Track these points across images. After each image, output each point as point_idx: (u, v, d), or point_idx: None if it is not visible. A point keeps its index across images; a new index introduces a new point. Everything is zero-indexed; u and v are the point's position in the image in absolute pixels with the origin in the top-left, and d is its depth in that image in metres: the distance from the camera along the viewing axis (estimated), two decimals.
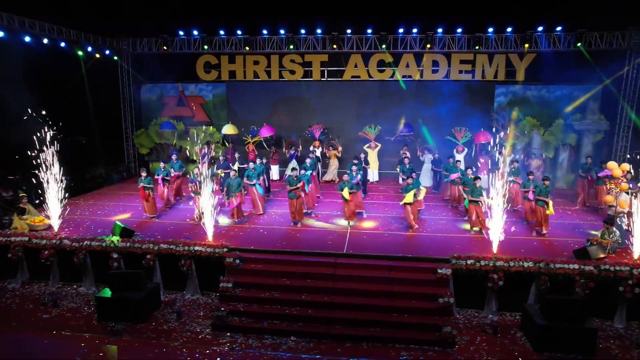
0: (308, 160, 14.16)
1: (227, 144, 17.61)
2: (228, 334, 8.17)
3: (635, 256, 8.66)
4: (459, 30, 16.06)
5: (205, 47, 17.27)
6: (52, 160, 10.23)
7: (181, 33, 17.45)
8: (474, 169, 12.13)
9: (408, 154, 15.24)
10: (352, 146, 17.54)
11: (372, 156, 16.98)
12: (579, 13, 14.89)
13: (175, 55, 18.04)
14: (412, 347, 7.77)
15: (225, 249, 9.30)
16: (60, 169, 10.41)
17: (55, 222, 10.49)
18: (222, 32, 17.28)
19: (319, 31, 16.75)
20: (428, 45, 16.13)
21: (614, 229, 9.30)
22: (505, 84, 17.02)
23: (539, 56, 16.49)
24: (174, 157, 14.04)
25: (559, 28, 15.52)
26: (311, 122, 18.04)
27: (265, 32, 17.07)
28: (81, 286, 10.00)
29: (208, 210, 9.71)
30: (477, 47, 16.02)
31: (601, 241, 9.10)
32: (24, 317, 8.78)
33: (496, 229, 9.03)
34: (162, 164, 13.09)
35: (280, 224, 11.40)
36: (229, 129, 17.15)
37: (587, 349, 7.47)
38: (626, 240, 9.23)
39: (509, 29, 15.76)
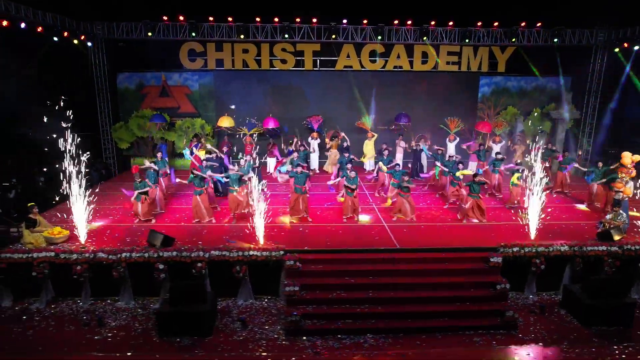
0: (295, 155, 14.09)
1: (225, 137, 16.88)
2: (304, 337, 8.16)
3: None
4: (450, 23, 16.70)
5: (193, 34, 16.22)
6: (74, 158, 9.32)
7: (165, 18, 16.21)
8: (462, 166, 12.56)
9: (388, 148, 15.24)
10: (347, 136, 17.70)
11: (369, 146, 17.32)
12: (555, 11, 16.24)
13: (156, 42, 16.74)
14: (480, 332, 8.36)
15: (282, 252, 9.15)
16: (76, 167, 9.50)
17: (82, 233, 9.55)
18: (210, 19, 16.33)
19: (314, 20, 16.47)
20: (424, 38, 16.60)
21: (621, 211, 10.59)
22: (489, 75, 18.13)
23: (518, 49, 17.73)
24: (159, 155, 13.26)
25: (538, 24, 16.77)
26: (304, 112, 17.90)
27: (258, 19, 16.42)
28: (118, 301, 9.30)
29: (258, 212, 9.44)
30: (466, 40, 16.80)
31: (614, 223, 10.32)
32: (71, 340, 8.02)
33: (534, 216, 9.83)
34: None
35: (313, 222, 11.34)
36: (224, 121, 16.46)
37: (626, 320, 8.56)
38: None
39: (496, 24, 16.71)
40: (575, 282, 9.49)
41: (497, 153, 14.70)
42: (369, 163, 17.36)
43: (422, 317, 8.53)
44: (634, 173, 11.04)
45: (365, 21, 16.50)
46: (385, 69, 17.99)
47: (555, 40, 16.61)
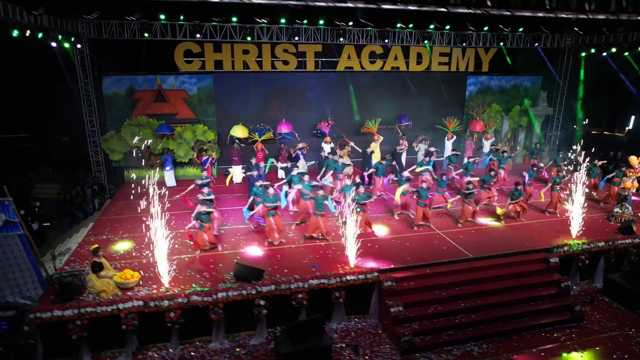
0: (294, 171, 12.62)
1: (235, 144, 16.09)
2: (417, 354, 8.62)
3: None
4: (447, 27, 17.52)
5: (198, 35, 15.07)
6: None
7: (162, 17, 14.80)
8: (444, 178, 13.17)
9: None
10: (350, 139, 17.94)
11: (375, 148, 17.77)
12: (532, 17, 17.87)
13: (147, 42, 15.25)
14: (556, 327, 9.52)
15: (376, 273, 9.39)
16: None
17: (165, 275, 8.80)
18: (215, 20, 15.26)
19: (321, 22, 16.21)
20: (426, 42, 17.25)
21: (627, 205, 12.50)
22: (475, 75, 19.46)
23: (499, 50, 19.23)
24: (204, 173, 12.62)
25: (520, 29, 18.31)
26: (306, 114, 17.77)
27: (265, 21, 15.71)
28: (210, 342, 8.84)
29: (350, 233, 9.49)
30: (463, 44, 17.81)
31: (625, 216, 12.17)
32: None
33: (577, 215, 11.14)
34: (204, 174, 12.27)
35: (377, 236, 11.56)
36: (238, 131, 15.74)
37: None
38: None
39: (486, 28, 17.90)
40: (609, 272, 11.13)
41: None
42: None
43: (508, 319, 9.44)
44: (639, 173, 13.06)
45: (371, 24, 16.66)
46: (383, 69, 18.40)
47: (536, 44, 18.33)
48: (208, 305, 8.47)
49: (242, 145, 16.11)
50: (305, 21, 15.90)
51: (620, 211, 12.43)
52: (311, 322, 8.23)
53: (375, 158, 17.50)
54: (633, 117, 21.27)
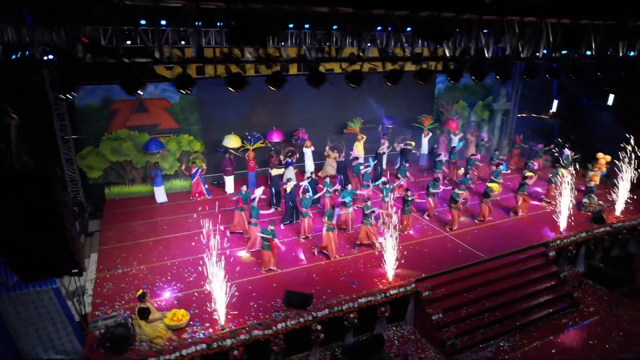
0: (307, 195, 12.19)
1: (227, 154, 15.58)
2: (459, 356, 9.50)
3: (618, 213, 13.84)
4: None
5: (182, 42, 14.18)
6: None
7: (143, 22, 13.70)
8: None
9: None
10: (333, 139, 18.24)
11: (359, 148, 18.27)
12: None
13: (123, 48, 14.05)
14: (561, 314, 10.97)
15: (413, 285, 10.02)
16: None
17: (222, 310, 8.58)
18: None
19: (307, 26, 16.07)
20: (403, 44, 17.81)
21: (593, 195, 14.41)
22: (442, 73, 20.54)
23: (463, 51, 20.46)
24: (243, 188, 12.58)
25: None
26: (290, 118, 17.70)
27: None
28: None
29: (390, 246, 9.96)
30: (438, 45, 18.66)
31: (593, 206, 14.05)
32: None
33: (565, 209, 12.59)
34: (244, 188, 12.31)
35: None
36: (231, 141, 15.27)
37: (631, 282, 12.23)
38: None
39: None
40: (589, 258, 12.90)
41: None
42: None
43: (524, 313, 10.68)
44: (604, 168, 14.99)
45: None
46: (362, 69, 18.70)
47: (500, 45, 19.77)
48: (269, 337, 8.53)
49: (234, 154, 15.70)
50: (291, 25, 15.67)
51: (588, 201, 14.30)
52: (371, 341, 8.68)
53: (359, 151, 18.13)
54: (556, 101, 23.66)
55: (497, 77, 11.31)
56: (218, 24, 14.47)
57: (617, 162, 13.60)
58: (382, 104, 19.20)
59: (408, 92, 19.55)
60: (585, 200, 14.40)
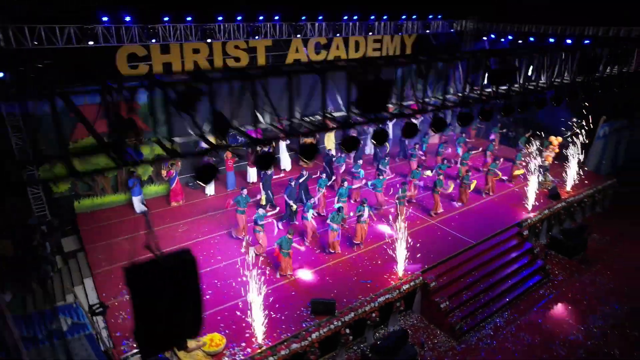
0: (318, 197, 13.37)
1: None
2: (466, 336, 10.59)
3: (569, 189, 15.77)
4: (385, 17, 18.58)
5: (154, 40, 13.16)
6: None
7: (105, 19, 12.46)
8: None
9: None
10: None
11: (331, 138, 18.54)
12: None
13: (80, 49, 12.74)
14: (539, 286, 12.52)
15: (421, 278, 10.82)
16: None
17: (259, 328, 8.64)
18: (166, 19, 13.43)
19: (276, 18, 15.64)
20: (371, 34, 18.06)
21: (547, 173, 16.25)
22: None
23: (419, 37, 21.23)
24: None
25: (434, 16, 20.43)
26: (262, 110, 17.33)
27: (220, 18, 14.43)
28: None
29: (401, 244, 10.57)
30: (399, 33, 19.17)
31: (548, 183, 15.87)
32: None
33: (532, 190, 14.11)
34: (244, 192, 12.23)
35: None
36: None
37: (584, 249, 14.19)
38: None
39: (404, 17, 19.46)
40: (549, 231, 14.70)
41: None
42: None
43: (511, 290, 12.05)
44: (557, 150, 16.81)
45: (320, 17, 16.70)
46: (327, 59, 18.71)
47: (452, 30, 20.81)
48: (306, 348, 8.84)
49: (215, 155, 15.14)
50: (261, 17, 15.16)
51: (543, 179, 16.10)
52: (399, 337, 9.36)
53: (331, 147, 18.42)
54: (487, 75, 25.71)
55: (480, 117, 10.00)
56: (187, 18, 13.66)
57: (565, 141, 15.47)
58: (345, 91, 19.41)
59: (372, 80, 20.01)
60: (541, 178, 16.17)
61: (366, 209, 11.79)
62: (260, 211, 11.41)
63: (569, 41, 18.25)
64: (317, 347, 9.01)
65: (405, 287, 10.47)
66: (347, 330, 9.42)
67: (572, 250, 13.87)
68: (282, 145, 17.25)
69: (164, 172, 14.47)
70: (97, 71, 13.47)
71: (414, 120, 8.45)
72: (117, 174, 14.31)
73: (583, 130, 16.05)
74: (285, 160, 17.63)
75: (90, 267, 11.20)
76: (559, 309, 11.74)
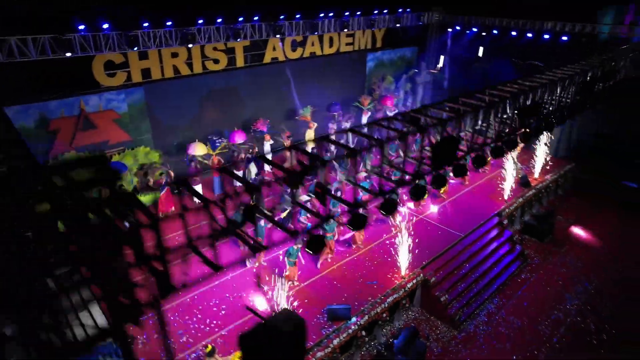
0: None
1: (193, 162, 14.65)
2: (464, 325, 11.54)
3: (537, 175, 17.13)
4: (358, 13, 18.76)
5: (136, 47, 12.56)
6: None
7: (81, 28, 11.73)
8: None
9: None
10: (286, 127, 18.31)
11: (310, 135, 18.70)
12: None
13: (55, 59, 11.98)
14: (520, 271, 13.72)
15: (422, 275, 11.55)
16: None
17: None
18: (146, 25, 12.84)
19: (255, 18, 15.37)
20: (346, 30, 18.21)
21: (517, 161, 17.51)
22: (372, 52, 21.56)
23: (388, 30, 21.63)
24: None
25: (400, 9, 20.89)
26: (241, 113, 17.23)
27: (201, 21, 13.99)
28: None
29: (404, 245, 11.18)
30: (373, 29, 19.45)
31: (520, 172, 17.14)
32: None
33: (509, 180, 15.22)
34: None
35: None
36: (198, 149, 14.38)
37: (552, 232, 15.63)
38: None
39: (376, 12, 19.76)
40: (522, 217, 15.99)
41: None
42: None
43: (497, 277, 13.12)
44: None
45: (298, 16, 16.61)
46: (303, 56, 18.74)
47: (420, 22, 21.39)
48: (330, 355, 9.30)
49: (202, 162, 14.94)
50: (241, 19, 14.86)
51: (515, 167, 17.35)
52: (409, 334, 10.06)
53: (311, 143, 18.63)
54: (442, 57, 26.23)
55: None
56: (168, 23, 13.16)
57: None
58: (320, 86, 19.60)
59: (341, 73, 20.32)
60: (514, 168, 17.41)
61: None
62: (296, 247, 10.94)
63: (529, 35, 19.49)
64: (339, 353, 9.50)
65: (409, 285, 11.15)
66: (363, 333, 9.98)
67: (543, 234, 15.23)
68: (267, 146, 17.24)
69: (151, 180, 14.08)
70: (73, 81, 12.76)
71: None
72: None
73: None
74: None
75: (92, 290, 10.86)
76: (539, 291, 12.99)
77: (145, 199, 14.78)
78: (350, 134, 17.88)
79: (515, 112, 9.21)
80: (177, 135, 15.45)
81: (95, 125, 13.44)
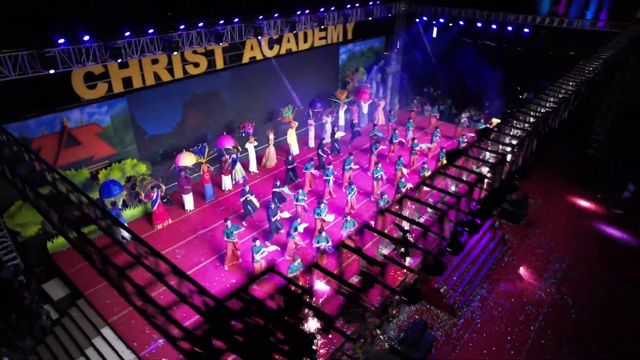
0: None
1: (182, 172, 14.35)
2: (461, 311, 12.51)
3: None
4: (332, 8, 18.75)
5: (120, 59, 11.95)
6: None
7: (61, 41, 11.03)
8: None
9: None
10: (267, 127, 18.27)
11: (293, 136, 18.78)
12: None
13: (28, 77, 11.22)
14: (503, 254, 14.91)
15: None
16: None
17: None
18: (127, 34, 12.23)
19: (236, 20, 15.02)
20: (322, 26, 18.18)
21: None
22: (344, 44, 21.69)
23: (357, 23, 21.78)
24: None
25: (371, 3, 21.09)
26: (224, 116, 17.04)
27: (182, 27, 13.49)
28: None
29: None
30: (346, 23, 19.54)
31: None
32: None
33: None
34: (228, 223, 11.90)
35: None
36: (187, 159, 14.09)
37: (526, 216, 16.95)
38: None
39: (348, 6, 19.83)
40: None
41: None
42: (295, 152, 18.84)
43: (485, 262, 14.22)
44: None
45: (276, 15, 16.41)
46: (280, 53, 18.58)
47: (390, 14, 21.71)
48: (353, 356, 9.86)
49: (189, 172, 14.70)
50: (222, 21, 14.50)
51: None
52: (420, 328, 10.82)
53: (293, 144, 18.79)
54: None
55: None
56: (150, 31, 12.67)
57: None
58: (297, 82, 19.63)
59: (315, 66, 20.43)
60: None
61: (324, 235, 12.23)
62: (257, 243, 11.36)
63: (494, 26, 20.47)
64: (359, 353, 10.09)
65: (413, 280, 11.87)
66: (378, 332, 10.62)
67: (518, 218, 16.51)
68: (251, 147, 17.17)
69: (142, 195, 13.70)
70: (52, 96, 12.04)
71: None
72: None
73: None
74: (254, 164, 17.60)
75: (105, 317, 10.68)
76: (521, 273, 14.25)
77: (134, 212, 14.42)
78: (329, 139, 18.41)
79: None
80: (162, 144, 15.05)
81: (79, 141, 12.80)
